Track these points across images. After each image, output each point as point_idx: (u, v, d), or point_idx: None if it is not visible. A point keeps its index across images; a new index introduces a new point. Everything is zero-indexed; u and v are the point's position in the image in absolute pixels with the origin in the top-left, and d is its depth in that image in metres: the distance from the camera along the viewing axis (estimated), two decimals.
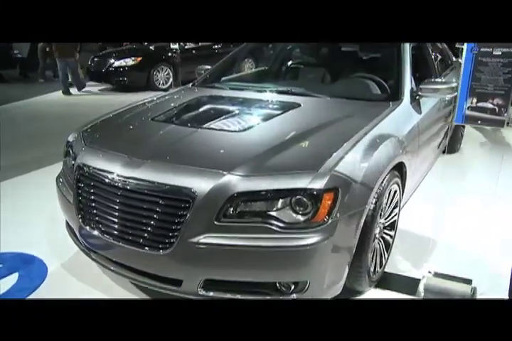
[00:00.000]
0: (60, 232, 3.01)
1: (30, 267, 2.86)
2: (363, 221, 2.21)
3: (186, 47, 10.26)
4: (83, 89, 9.63)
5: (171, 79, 9.80)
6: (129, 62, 9.35)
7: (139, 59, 9.39)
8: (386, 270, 2.76)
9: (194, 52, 10.40)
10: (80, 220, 2.39)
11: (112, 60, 9.44)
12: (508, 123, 2.18)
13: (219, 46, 10.97)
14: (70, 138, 2.82)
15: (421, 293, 2.56)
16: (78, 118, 6.13)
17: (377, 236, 2.50)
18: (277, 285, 2.12)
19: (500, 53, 2.04)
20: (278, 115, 2.80)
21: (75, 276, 2.75)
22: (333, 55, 4.28)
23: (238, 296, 2.13)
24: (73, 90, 9.50)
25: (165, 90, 9.10)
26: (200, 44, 10.87)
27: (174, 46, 9.06)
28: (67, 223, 2.78)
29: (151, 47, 10.31)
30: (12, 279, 2.74)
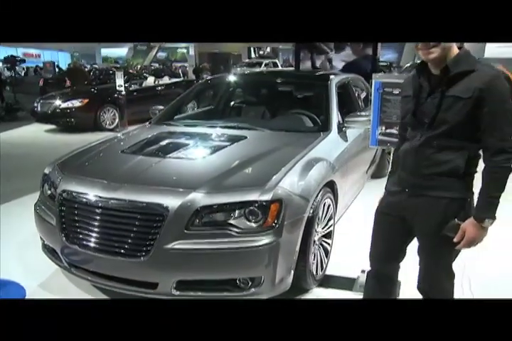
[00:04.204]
0: (34, 256, 3.31)
1: (8, 289, 3.09)
2: (303, 227, 2.72)
3: (131, 88, 10.72)
4: None
5: (117, 120, 10.05)
6: (76, 103, 9.56)
7: (86, 101, 9.63)
8: (328, 272, 3.23)
9: (136, 93, 10.81)
10: (64, 239, 2.73)
11: (58, 102, 9.62)
12: None
13: (162, 88, 11.53)
14: (46, 171, 3.18)
15: (357, 289, 3.06)
16: (29, 159, 6.38)
17: (316, 242, 3.00)
18: (237, 282, 2.56)
19: (398, 92, 2.66)
20: (229, 145, 3.31)
21: (52, 294, 3.01)
22: (272, 94, 4.91)
23: (199, 293, 2.54)
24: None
25: (111, 130, 9.40)
26: (143, 85, 11.41)
27: (120, 88, 9.45)
28: (43, 245, 3.10)
29: (93, 90, 10.63)
30: None
